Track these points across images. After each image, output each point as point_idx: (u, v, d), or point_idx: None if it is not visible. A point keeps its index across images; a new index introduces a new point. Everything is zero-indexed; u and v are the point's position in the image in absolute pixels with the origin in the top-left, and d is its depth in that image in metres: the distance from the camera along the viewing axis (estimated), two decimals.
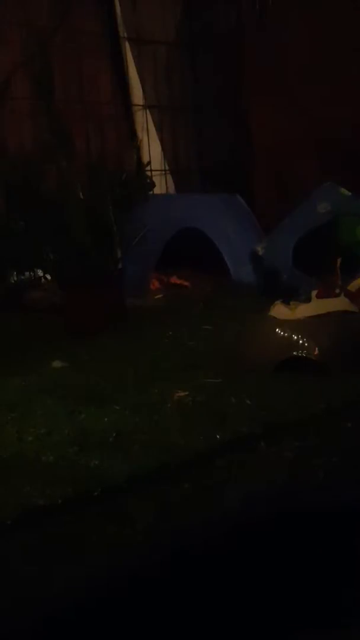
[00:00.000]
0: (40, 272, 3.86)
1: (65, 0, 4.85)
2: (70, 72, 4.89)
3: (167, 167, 5.63)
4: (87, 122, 5.00)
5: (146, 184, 3.81)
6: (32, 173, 3.48)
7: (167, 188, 5.59)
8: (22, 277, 3.92)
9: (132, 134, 5.40)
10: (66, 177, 3.52)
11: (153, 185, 3.95)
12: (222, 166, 5.56)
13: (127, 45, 5.40)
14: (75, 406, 2.31)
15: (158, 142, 5.57)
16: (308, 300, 2.68)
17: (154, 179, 4.15)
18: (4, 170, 3.52)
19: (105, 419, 2.20)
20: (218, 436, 2.04)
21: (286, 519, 1.72)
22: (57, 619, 1.42)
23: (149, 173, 4.10)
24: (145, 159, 4.70)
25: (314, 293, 2.69)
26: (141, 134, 5.44)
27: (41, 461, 1.94)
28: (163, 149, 5.61)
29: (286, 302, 2.71)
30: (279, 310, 2.67)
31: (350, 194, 4.21)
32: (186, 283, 4.46)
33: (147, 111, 5.52)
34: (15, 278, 3.92)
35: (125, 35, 5.39)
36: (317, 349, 2.52)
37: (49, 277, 3.80)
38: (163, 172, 5.57)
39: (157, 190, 4.55)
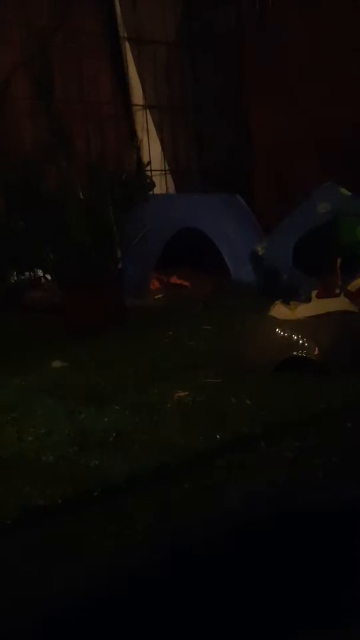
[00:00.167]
0: (40, 272, 3.86)
1: (65, 0, 4.86)
2: (70, 72, 4.89)
3: (167, 167, 5.63)
4: (87, 122, 5.01)
5: (146, 184, 3.81)
6: (32, 173, 3.47)
7: (167, 188, 5.59)
8: (22, 277, 3.92)
9: (132, 134, 5.41)
10: (66, 177, 3.51)
11: (153, 185, 3.95)
12: (222, 166, 5.56)
13: (127, 45, 5.41)
14: (75, 406, 2.30)
15: (158, 142, 5.57)
16: (308, 300, 2.68)
17: (154, 179, 4.15)
18: (4, 170, 3.52)
19: (105, 419, 2.20)
20: (218, 436, 2.03)
21: (286, 519, 1.72)
22: (57, 619, 1.42)
23: (149, 173, 4.10)
24: (145, 159, 4.70)
25: (314, 293, 2.69)
26: (141, 134, 5.44)
27: (41, 461, 1.94)
28: (163, 149, 5.62)
29: (286, 302, 2.70)
30: (279, 310, 2.67)
31: (350, 194, 4.21)
32: (186, 283, 4.46)
33: (147, 111, 5.53)
34: (15, 278, 3.92)
35: (125, 35, 5.39)
36: (317, 349, 2.52)
37: (49, 277, 3.80)
38: (163, 172, 5.57)
39: (157, 190, 4.55)
